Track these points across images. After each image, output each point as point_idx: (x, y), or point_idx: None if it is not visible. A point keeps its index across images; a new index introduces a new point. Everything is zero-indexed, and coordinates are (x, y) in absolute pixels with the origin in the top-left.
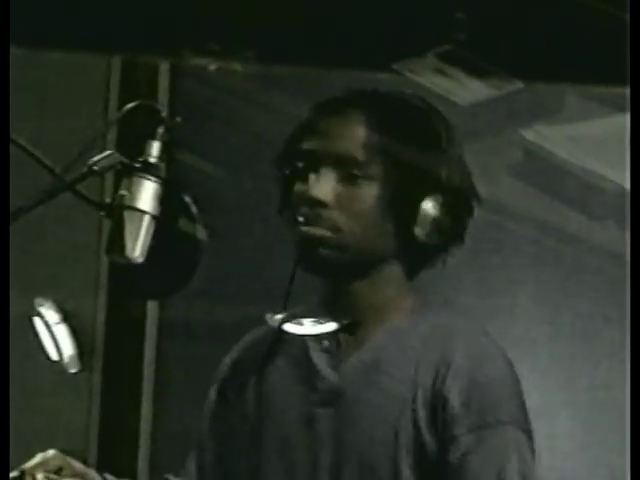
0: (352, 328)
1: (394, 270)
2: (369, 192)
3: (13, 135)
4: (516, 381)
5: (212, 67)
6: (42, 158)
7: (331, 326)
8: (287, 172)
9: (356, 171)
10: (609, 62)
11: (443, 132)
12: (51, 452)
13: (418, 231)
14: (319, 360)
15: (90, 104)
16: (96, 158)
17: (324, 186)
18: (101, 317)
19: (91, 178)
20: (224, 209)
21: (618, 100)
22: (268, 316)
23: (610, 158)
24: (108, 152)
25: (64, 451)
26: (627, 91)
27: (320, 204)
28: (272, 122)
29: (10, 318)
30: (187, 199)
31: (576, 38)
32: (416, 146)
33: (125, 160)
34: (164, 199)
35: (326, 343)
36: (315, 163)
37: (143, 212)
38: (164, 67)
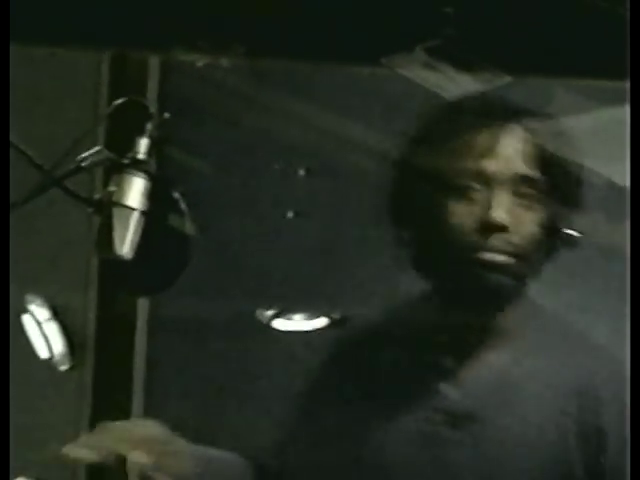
0: (466, 348)
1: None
2: (538, 213)
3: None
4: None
5: (201, 63)
6: (31, 154)
7: (321, 321)
8: (449, 193)
9: (529, 190)
10: (598, 56)
11: (547, 143)
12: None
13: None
14: (440, 381)
15: (79, 100)
16: (85, 154)
17: (503, 209)
18: (91, 314)
19: (80, 174)
20: (213, 205)
21: (606, 94)
22: (258, 312)
23: (598, 152)
24: (97, 148)
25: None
26: (615, 84)
27: (501, 228)
28: (261, 118)
29: None
30: (176, 195)
31: (565, 32)
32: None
33: (114, 156)
34: (153, 195)
35: (448, 363)
36: (489, 184)
37: (132, 209)
38: (153, 63)
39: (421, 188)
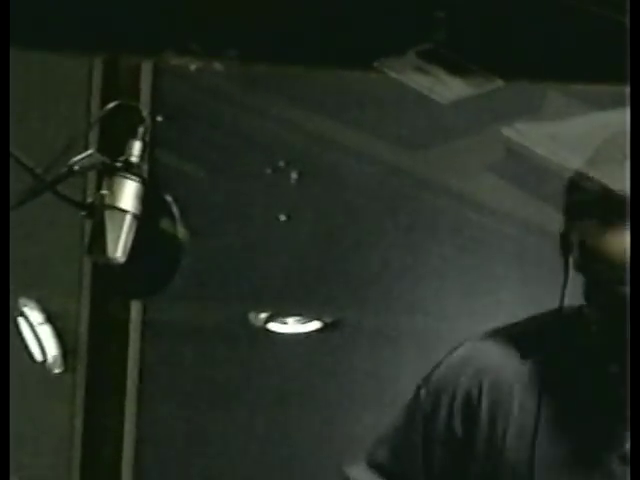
0: None
1: None
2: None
3: None
4: None
5: (193, 67)
6: (23, 158)
7: (314, 325)
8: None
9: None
10: (590, 59)
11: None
12: None
13: None
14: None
15: (71, 104)
16: (77, 158)
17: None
18: (85, 317)
19: (73, 178)
20: (205, 209)
21: (599, 98)
22: (252, 315)
23: (589, 156)
24: (89, 152)
25: None
26: (608, 88)
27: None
28: (254, 122)
29: None
30: (168, 199)
31: (557, 36)
32: None
33: (106, 160)
34: (145, 199)
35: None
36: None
37: (124, 211)
38: (146, 68)
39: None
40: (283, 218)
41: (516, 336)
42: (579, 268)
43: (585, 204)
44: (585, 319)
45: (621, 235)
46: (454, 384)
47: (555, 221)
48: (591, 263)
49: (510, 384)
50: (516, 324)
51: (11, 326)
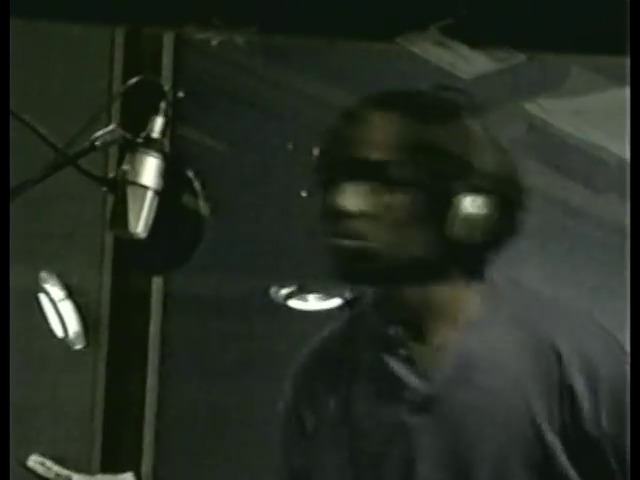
0: (419, 333)
1: (447, 273)
2: (404, 198)
3: (16, 110)
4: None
5: (215, 41)
6: (45, 133)
7: (335, 302)
8: (322, 181)
9: (389, 177)
10: (613, 34)
11: (478, 128)
12: None
13: (457, 231)
14: (399, 369)
15: (93, 78)
16: (99, 133)
17: (352, 196)
18: (106, 293)
19: (94, 153)
20: (227, 184)
21: (622, 73)
22: (273, 290)
23: (614, 131)
24: (111, 127)
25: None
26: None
27: (348, 215)
28: (275, 96)
29: (15, 294)
30: (190, 174)
31: (579, 9)
32: (448, 144)
33: (128, 135)
34: (167, 174)
35: (403, 352)
36: (347, 171)
37: (146, 187)
38: (167, 42)
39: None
40: (304, 194)
41: None
42: None
43: None
44: None
45: None
46: None
47: (577, 195)
48: None
49: None
50: None
51: (32, 302)
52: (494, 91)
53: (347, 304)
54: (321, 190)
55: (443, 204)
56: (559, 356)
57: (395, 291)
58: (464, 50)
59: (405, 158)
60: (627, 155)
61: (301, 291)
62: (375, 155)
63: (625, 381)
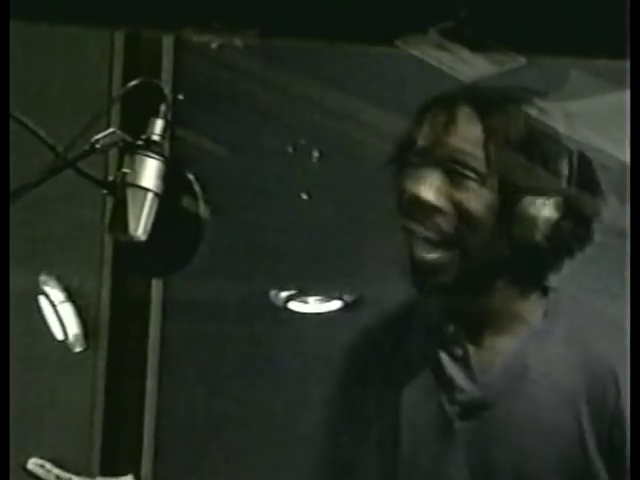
0: (477, 335)
1: (510, 279)
2: (482, 194)
3: (15, 112)
4: None
5: (215, 44)
6: (44, 135)
7: (336, 304)
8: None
9: (467, 172)
10: (613, 37)
11: (559, 125)
12: None
13: (534, 235)
14: (452, 369)
15: (93, 80)
16: (98, 136)
17: (432, 188)
18: (106, 296)
19: (94, 156)
20: (227, 187)
21: (622, 76)
22: (273, 293)
23: (613, 134)
24: (110, 130)
25: None
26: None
27: (432, 208)
28: (275, 99)
29: (15, 297)
30: (190, 177)
31: (579, 13)
32: (529, 143)
33: (128, 138)
34: (167, 177)
35: (459, 351)
36: (426, 162)
37: (146, 190)
38: (167, 45)
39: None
40: (304, 196)
41: None
42: None
43: None
44: None
45: None
46: None
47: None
48: None
49: None
50: None
51: (32, 304)
52: None
53: (347, 306)
54: (398, 177)
55: (513, 204)
56: (615, 380)
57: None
58: (464, 53)
59: (483, 153)
60: (627, 158)
61: (301, 294)
62: (458, 148)
63: None
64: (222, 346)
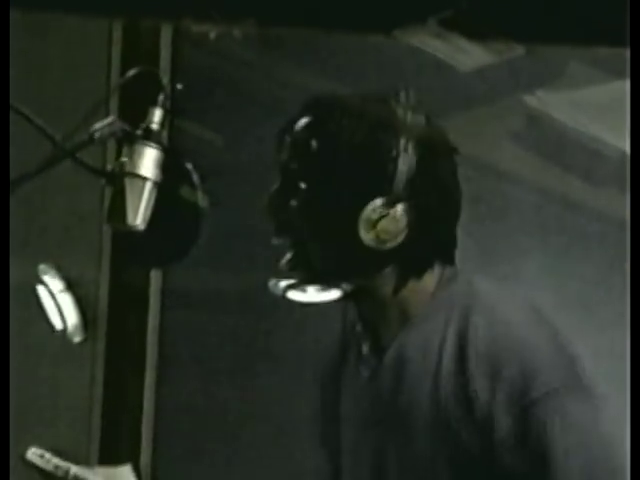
0: (375, 331)
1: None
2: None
3: (13, 102)
4: (549, 339)
5: (213, 34)
6: (43, 125)
7: (335, 294)
8: None
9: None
10: (611, 26)
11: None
12: None
13: (364, 236)
14: (363, 370)
15: (91, 70)
16: (97, 125)
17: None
18: (104, 286)
19: (93, 145)
20: (225, 176)
21: (622, 65)
22: (272, 283)
23: (613, 124)
24: (109, 119)
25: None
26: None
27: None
28: (273, 89)
29: (13, 287)
30: (188, 166)
31: (578, 2)
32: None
33: (126, 127)
34: (165, 167)
35: (364, 350)
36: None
37: (145, 179)
38: (165, 35)
39: None
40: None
41: None
42: None
43: None
44: None
45: None
46: None
47: (576, 189)
48: None
49: None
50: None
51: (31, 295)
52: (493, 84)
53: (346, 296)
54: None
55: (356, 212)
56: (466, 327)
57: (365, 291)
58: (463, 43)
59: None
60: (626, 148)
61: (300, 283)
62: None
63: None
64: (221, 336)
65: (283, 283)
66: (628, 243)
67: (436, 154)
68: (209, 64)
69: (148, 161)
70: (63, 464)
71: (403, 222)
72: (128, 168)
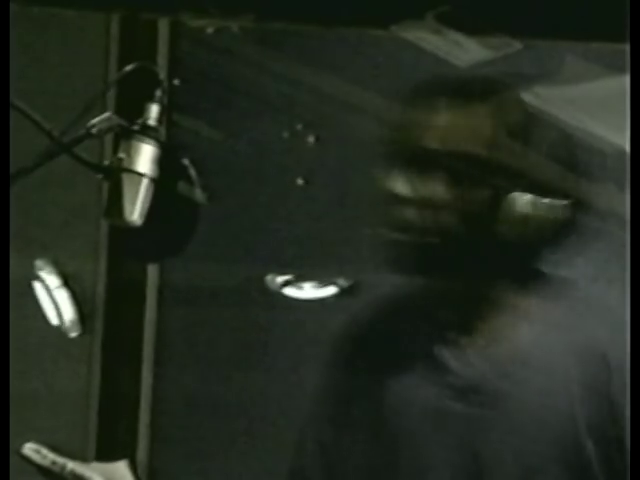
0: (470, 321)
1: (500, 270)
2: (459, 192)
3: (11, 97)
4: None
5: (211, 29)
6: (40, 120)
7: (331, 290)
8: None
9: (445, 168)
10: (609, 21)
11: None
12: None
13: (509, 231)
14: (445, 353)
15: (88, 64)
16: (94, 121)
17: (408, 183)
18: (101, 281)
19: (90, 141)
20: (223, 172)
21: (619, 61)
22: (269, 278)
23: (611, 120)
24: (106, 115)
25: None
26: (627, 49)
27: (404, 201)
28: (271, 84)
29: (10, 283)
30: (185, 162)
31: None
32: (505, 142)
33: (123, 123)
34: (162, 162)
35: (451, 336)
36: (407, 160)
37: (141, 175)
38: (162, 29)
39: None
40: (300, 182)
41: None
42: None
43: None
44: None
45: None
46: None
47: (574, 185)
48: None
49: None
50: None
51: (27, 289)
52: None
53: (343, 292)
54: (380, 176)
55: (497, 202)
56: (607, 364)
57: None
58: (460, 38)
59: (462, 150)
60: (625, 144)
61: (297, 279)
62: (434, 145)
63: None
64: (218, 331)
65: (280, 279)
66: (627, 240)
67: None
68: (207, 59)
69: (145, 157)
70: (59, 460)
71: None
72: (125, 164)
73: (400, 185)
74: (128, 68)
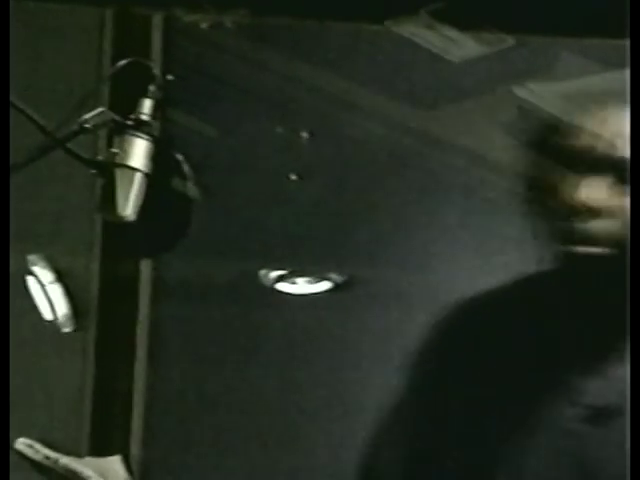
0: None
1: None
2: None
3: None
4: None
5: (205, 25)
6: (33, 115)
7: (324, 285)
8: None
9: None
10: (605, 17)
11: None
12: None
13: None
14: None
15: (82, 59)
16: (87, 116)
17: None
18: (95, 276)
19: (83, 136)
20: (216, 168)
21: (613, 56)
22: (262, 274)
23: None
24: (100, 109)
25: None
26: (624, 45)
27: (589, 210)
28: (265, 79)
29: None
30: (179, 157)
31: None
32: None
33: (117, 118)
34: (156, 157)
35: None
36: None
37: (135, 170)
38: (157, 24)
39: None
40: (294, 177)
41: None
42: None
43: None
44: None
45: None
46: None
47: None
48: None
49: None
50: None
51: (21, 285)
52: (484, 75)
53: (336, 287)
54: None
55: None
56: None
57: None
58: (454, 34)
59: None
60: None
61: (291, 275)
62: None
63: None
64: (211, 326)
65: (273, 274)
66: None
67: None
68: (201, 54)
69: (139, 152)
70: (52, 454)
71: None
72: (119, 159)
73: (593, 194)
74: (122, 63)
